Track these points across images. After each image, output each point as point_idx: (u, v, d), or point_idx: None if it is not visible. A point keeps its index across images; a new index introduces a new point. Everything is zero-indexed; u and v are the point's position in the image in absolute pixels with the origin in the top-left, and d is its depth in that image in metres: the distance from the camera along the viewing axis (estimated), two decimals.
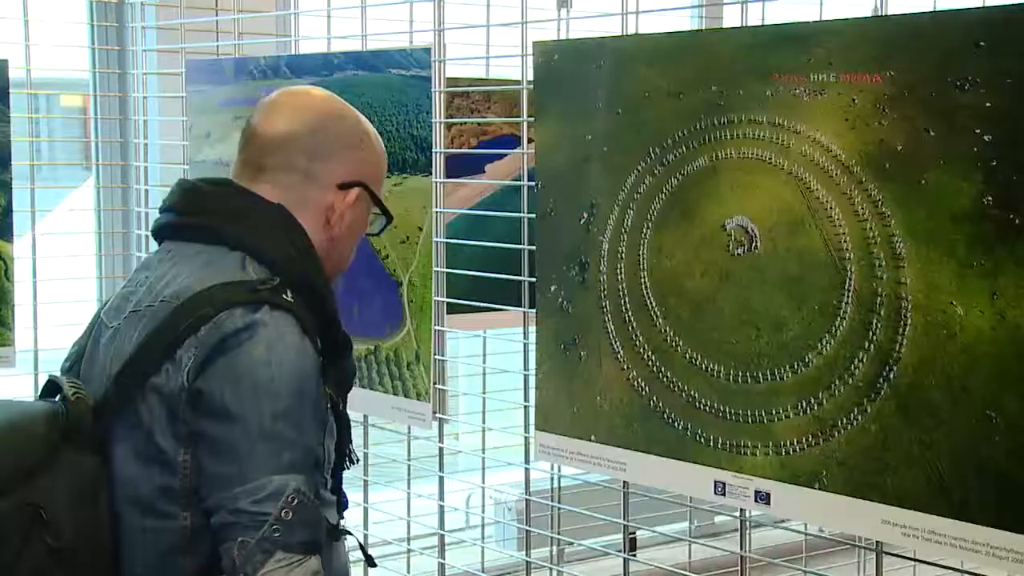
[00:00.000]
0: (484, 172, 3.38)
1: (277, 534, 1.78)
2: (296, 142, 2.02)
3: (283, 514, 1.80)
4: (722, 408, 2.44)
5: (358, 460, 2.16)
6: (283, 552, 1.78)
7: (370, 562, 2.25)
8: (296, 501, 1.81)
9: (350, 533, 2.09)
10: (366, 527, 3.51)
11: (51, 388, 2.01)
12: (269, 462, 1.82)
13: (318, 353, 1.93)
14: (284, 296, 1.91)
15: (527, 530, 3.14)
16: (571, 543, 3.65)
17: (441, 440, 3.29)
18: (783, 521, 4.14)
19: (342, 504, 2.06)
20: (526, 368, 3.00)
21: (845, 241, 2.23)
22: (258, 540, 1.78)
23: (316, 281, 1.99)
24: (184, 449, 1.86)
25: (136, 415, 1.88)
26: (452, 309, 3.19)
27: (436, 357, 3.14)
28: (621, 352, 2.61)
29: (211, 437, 1.84)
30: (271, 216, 1.99)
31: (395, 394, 3.21)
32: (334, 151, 2.04)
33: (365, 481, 3.46)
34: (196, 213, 2.03)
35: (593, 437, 2.69)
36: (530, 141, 2.91)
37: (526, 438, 3.02)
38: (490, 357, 3.72)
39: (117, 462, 1.90)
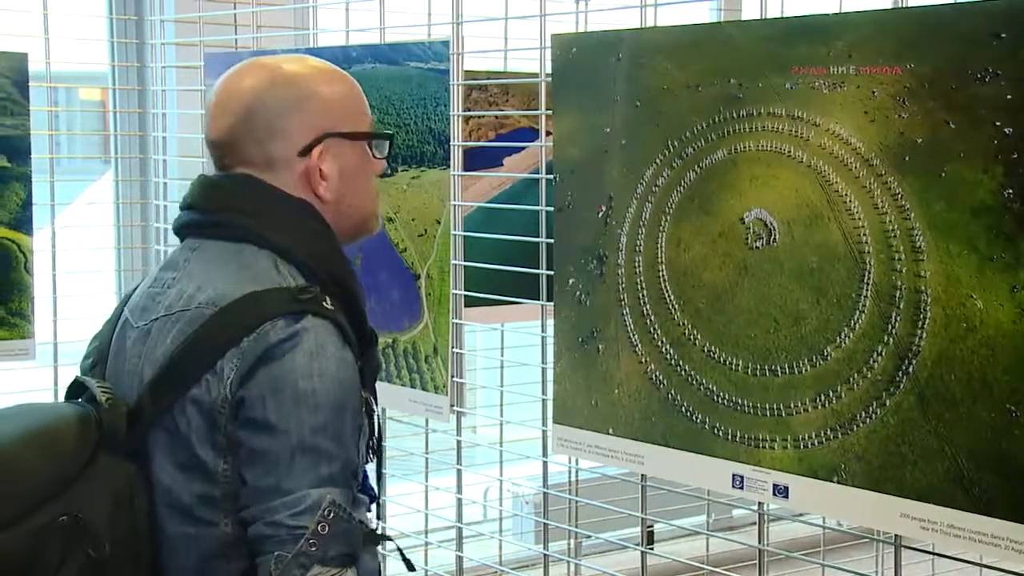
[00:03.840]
0: (502, 165, 3.37)
1: (314, 548, 1.77)
2: (239, 136, 1.97)
3: (319, 528, 1.78)
4: (740, 401, 2.44)
5: (378, 452, 2.14)
6: (320, 566, 1.78)
7: (409, 566, 2.24)
8: (332, 515, 1.80)
9: (389, 539, 2.09)
10: (384, 520, 3.51)
11: (76, 388, 1.99)
12: (307, 475, 1.80)
13: (357, 359, 1.91)
14: (324, 304, 1.88)
15: (544, 523, 3.14)
16: (588, 536, 3.65)
17: (459, 433, 3.29)
18: (801, 515, 4.14)
19: (371, 499, 2.05)
20: (544, 361, 3.00)
21: (864, 234, 2.22)
22: (295, 554, 1.77)
23: (344, 274, 1.97)
24: (224, 459, 1.84)
25: (173, 424, 1.86)
26: (470, 302, 3.19)
27: (454, 350, 3.14)
28: (639, 345, 2.61)
29: (251, 448, 1.82)
30: (291, 209, 1.97)
31: (413, 387, 3.21)
32: (277, 125, 1.97)
33: (382, 474, 3.45)
34: (219, 210, 1.99)
35: (611, 430, 2.68)
36: (548, 134, 2.90)
37: (544, 431, 3.02)
38: (508, 350, 3.72)
39: (155, 469, 1.88)
